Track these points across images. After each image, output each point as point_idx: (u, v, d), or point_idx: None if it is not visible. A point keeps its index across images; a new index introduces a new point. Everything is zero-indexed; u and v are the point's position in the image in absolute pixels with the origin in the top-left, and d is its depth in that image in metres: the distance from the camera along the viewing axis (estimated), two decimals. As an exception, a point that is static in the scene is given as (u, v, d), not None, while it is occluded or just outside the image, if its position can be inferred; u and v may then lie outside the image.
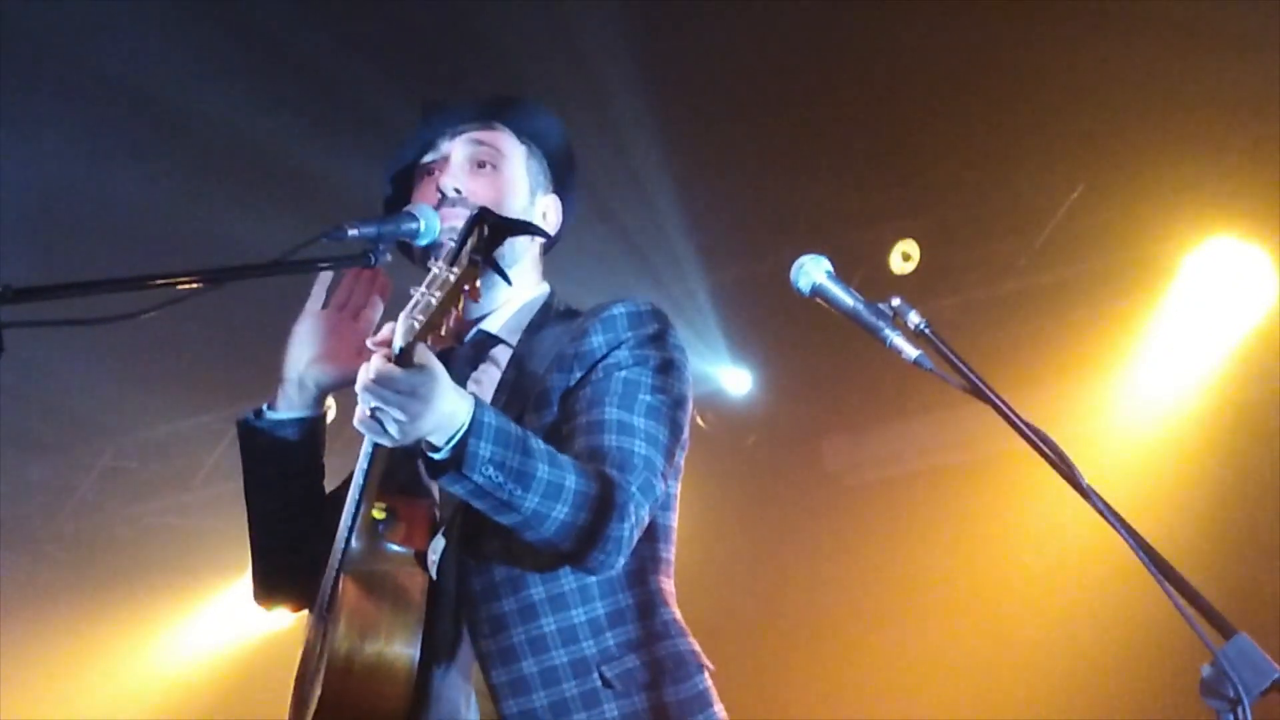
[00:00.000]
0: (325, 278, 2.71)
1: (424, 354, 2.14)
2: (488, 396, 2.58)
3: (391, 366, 2.13)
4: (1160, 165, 6.02)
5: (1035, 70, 5.67)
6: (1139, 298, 6.46)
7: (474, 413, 2.22)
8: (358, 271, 2.70)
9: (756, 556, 7.69)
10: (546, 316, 2.70)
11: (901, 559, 7.22)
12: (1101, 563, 5.57)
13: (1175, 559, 1.98)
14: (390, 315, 2.19)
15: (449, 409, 2.18)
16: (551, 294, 2.77)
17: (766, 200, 6.45)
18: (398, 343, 2.12)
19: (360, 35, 5.70)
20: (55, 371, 6.70)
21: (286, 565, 2.73)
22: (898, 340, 2.18)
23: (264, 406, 2.72)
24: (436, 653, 2.46)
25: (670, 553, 2.62)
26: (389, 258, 2.49)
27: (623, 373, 2.51)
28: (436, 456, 2.23)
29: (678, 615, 2.56)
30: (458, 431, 2.20)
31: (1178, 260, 6.30)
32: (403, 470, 2.52)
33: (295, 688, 2.61)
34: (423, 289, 2.13)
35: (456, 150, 2.73)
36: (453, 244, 2.16)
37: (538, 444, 2.30)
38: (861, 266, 6.43)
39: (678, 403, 2.56)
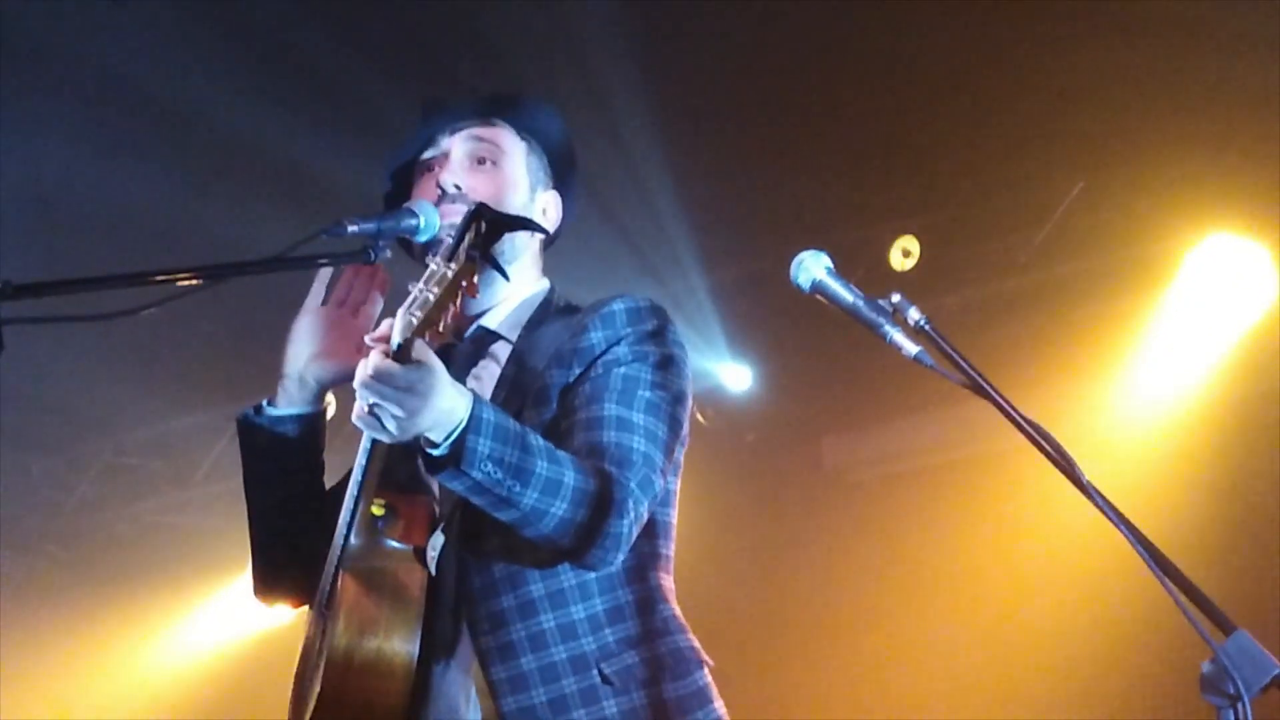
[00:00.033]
0: (325, 274, 2.71)
1: (422, 350, 2.14)
2: (487, 392, 2.58)
3: (389, 362, 2.13)
4: (1161, 162, 6.02)
5: (1035, 67, 5.66)
6: (1139, 295, 6.46)
7: (472, 409, 2.22)
8: (357, 267, 2.70)
9: (756, 553, 7.69)
10: (546, 312, 2.70)
11: (901, 556, 7.22)
12: (1102, 559, 5.57)
13: (1175, 555, 1.98)
14: (389, 311, 2.19)
15: (447, 405, 2.18)
16: (551, 290, 2.78)
17: (766, 196, 6.44)
18: (396, 339, 2.12)
19: (360, 34, 5.69)
20: (55, 369, 6.70)
21: (286, 561, 2.73)
22: (898, 337, 2.18)
23: (264, 403, 2.72)
24: (436, 649, 2.46)
25: (670, 549, 2.62)
26: (389, 254, 2.49)
27: (622, 369, 2.51)
28: (435, 453, 2.23)
29: (677, 612, 2.55)
30: (456, 428, 2.20)
31: (1178, 257, 6.30)
32: (402, 467, 2.52)
33: (295, 684, 2.61)
34: (420, 285, 2.13)
35: (456, 147, 2.73)
36: (450, 240, 2.16)
37: (536, 440, 2.30)
38: (861, 263, 6.43)
39: (677, 399, 2.55)
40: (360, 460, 2.43)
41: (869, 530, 7.38)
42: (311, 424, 2.71)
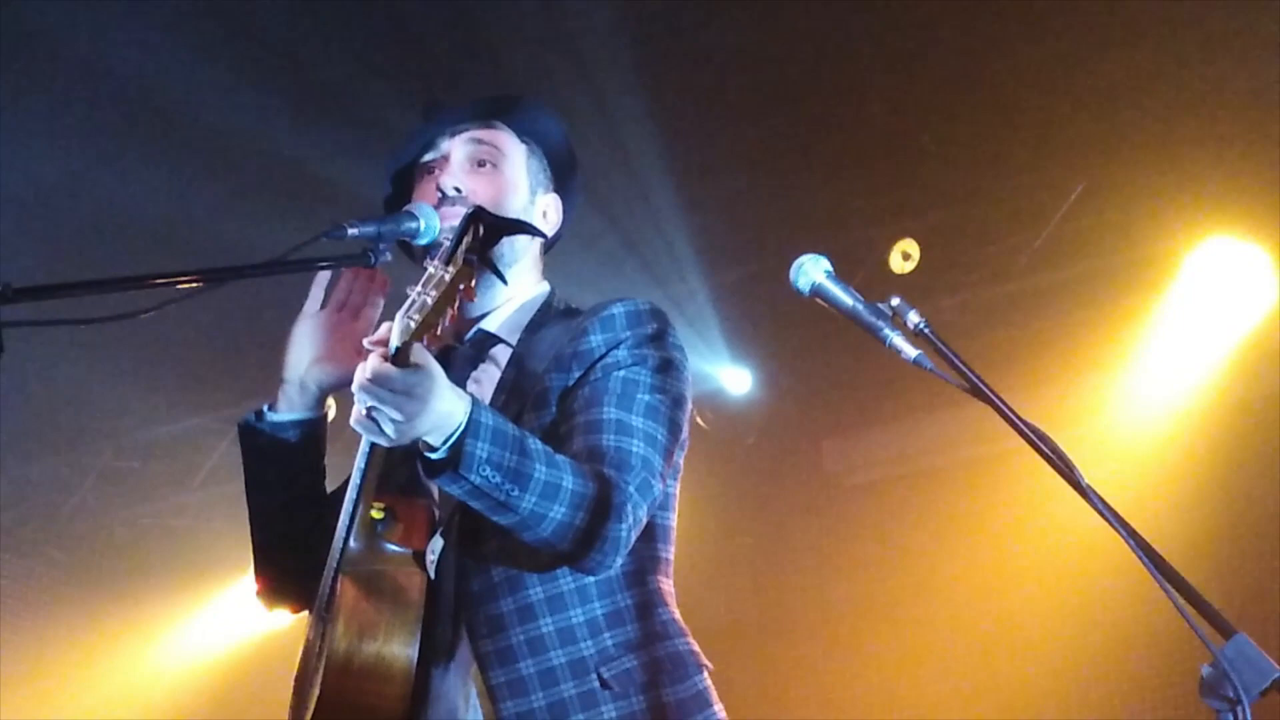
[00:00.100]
0: (323, 278, 2.70)
1: (420, 353, 2.14)
2: (487, 396, 2.58)
3: (388, 366, 2.13)
4: (1160, 165, 6.02)
5: (1035, 70, 5.67)
6: (1139, 297, 6.46)
7: (471, 413, 2.21)
8: (356, 271, 2.70)
9: (755, 555, 7.69)
10: (546, 316, 2.70)
11: (900, 559, 7.22)
12: (1101, 562, 5.58)
13: (1174, 559, 1.98)
14: (388, 314, 2.19)
15: (446, 409, 2.18)
16: (551, 293, 2.77)
17: (766, 200, 6.44)
18: (394, 342, 2.12)
19: (361, 35, 5.69)
20: (55, 372, 6.70)
21: (289, 566, 2.72)
22: (897, 340, 2.18)
23: (264, 408, 2.72)
24: (436, 653, 2.46)
25: (669, 553, 2.62)
26: (389, 257, 2.49)
27: (621, 372, 2.51)
28: (433, 457, 2.23)
29: (677, 615, 2.55)
30: (455, 432, 2.20)
31: (1178, 260, 6.30)
32: (401, 470, 2.52)
33: (295, 688, 2.61)
34: (418, 289, 2.14)
35: (456, 149, 2.73)
36: (448, 244, 2.16)
37: (535, 444, 2.30)
38: (861, 266, 6.43)
39: (676, 402, 2.55)
40: (359, 463, 2.43)
41: (869, 533, 7.38)
42: (313, 429, 2.71)
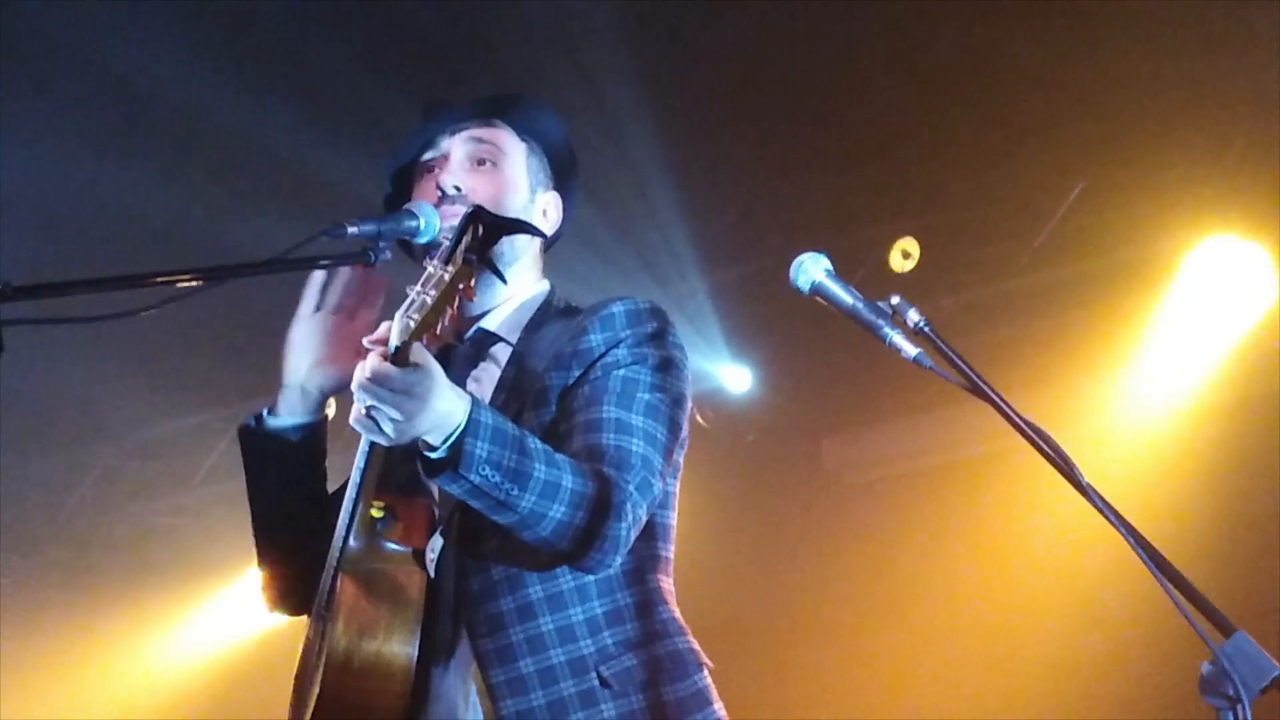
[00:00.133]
0: (317, 280, 2.69)
1: (420, 353, 2.14)
2: (487, 394, 2.58)
3: (387, 365, 2.13)
4: (1160, 164, 6.02)
5: (1035, 69, 5.66)
6: (1138, 296, 6.46)
7: (470, 412, 2.21)
8: (352, 272, 2.69)
9: (755, 554, 7.69)
10: (546, 314, 2.70)
11: (900, 557, 7.22)
12: (1101, 561, 5.57)
13: (1174, 557, 1.98)
14: (388, 314, 2.19)
15: (445, 408, 2.18)
16: (551, 291, 2.77)
17: (766, 198, 6.45)
18: (393, 341, 2.12)
19: (361, 34, 5.70)
20: (55, 371, 6.70)
21: (292, 569, 2.71)
22: (897, 338, 2.18)
23: (264, 412, 2.71)
24: (435, 652, 2.46)
25: (669, 551, 2.61)
26: (389, 256, 2.48)
27: (621, 371, 2.51)
28: (433, 456, 2.23)
29: (676, 614, 2.55)
30: (454, 431, 2.20)
31: (1177, 259, 6.30)
32: (402, 469, 2.52)
33: (294, 686, 2.61)
34: (418, 288, 2.14)
35: (456, 148, 2.73)
36: (448, 243, 2.16)
37: (535, 443, 2.30)
38: (861, 265, 6.43)
39: (676, 401, 2.55)
40: (359, 462, 2.43)
41: (868, 531, 7.38)
42: (313, 432, 2.70)
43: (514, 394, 2.55)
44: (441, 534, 2.49)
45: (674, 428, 2.53)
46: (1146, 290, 6.44)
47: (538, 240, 2.78)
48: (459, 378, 2.59)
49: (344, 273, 2.69)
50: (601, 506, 2.33)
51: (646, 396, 2.49)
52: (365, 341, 2.20)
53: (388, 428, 2.17)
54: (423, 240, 2.55)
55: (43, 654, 8.35)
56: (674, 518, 2.63)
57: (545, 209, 2.81)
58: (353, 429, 2.24)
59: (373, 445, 2.38)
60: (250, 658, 8.21)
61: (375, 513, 2.45)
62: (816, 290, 2.27)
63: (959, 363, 2.13)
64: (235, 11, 5.63)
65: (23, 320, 2.07)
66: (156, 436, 8.08)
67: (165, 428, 8.00)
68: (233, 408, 7.81)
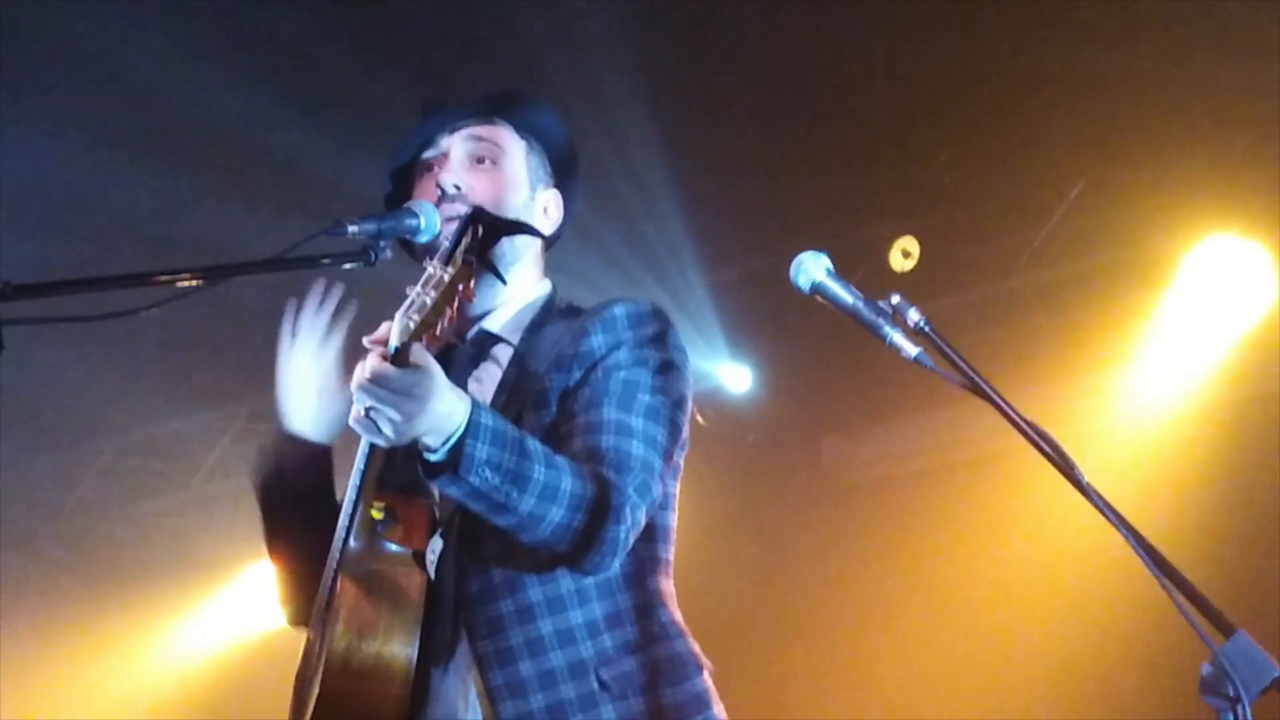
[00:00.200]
0: (290, 315, 2.67)
1: (420, 354, 2.14)
2: (488, 395, 2.58)
3: (387, 366, 2.12)
4: (1160, 162, 6.02)
5: (1035, 67, 5.67)
6: (1139, 295, 6.46)
7: (471, 414, 2.21)
8: (320, 293, 2.67)
9: (755, 554, 7.69)
10: (548, 315, 2.69)
11: (901, 557, 7.22)
12: (1101, 561, 5.57)
13: (1175, 557, 1.98)
14: (388, 314, 2.19)
15: (445, 409, 2.18)
16: (553, 292, 2.77)
17: (766, 197, 6.44)
18: (393, 342, 2.12)
19: (361, 34, 5.69)
20: (55, 369, 6.70)
21: (308, 585, 2.68)
22: (897, 338, 2.18)
23: (286, 434, 2.67)
24: (435, 653, 2.45)
25: (669, 553, 2.61)
26: (389, 255, 2.48)
27: (622, 373, 2.50)
28: (433, 458, 2.22)
29: (677, 616, 2.55)
30: (454, 433, 2.20)
31: (1178, 257, 6.30)
32: (402, 470, 2.51)
33: (295, 687, 2.61)
34: (418, 288, 2.13)
35: (456, 146, 2.72)
36: (448, 244, 2.16)
37: (535, 445, 2.30)
38: (861, 264, 6.43)
39: (677, 404, 2.55)
40: (359, 463, 2.43)
41: (869, 531, 7.38)
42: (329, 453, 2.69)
43: (515, 395, 2.55)
44: (441, 536, 2.49)
45: (674, 430, 2.53)
46: (1146, 289, 6.43)
47: (539, 240, 2.77)
48: (460, 378, 2.59)
49: (313, 299, 2.67)
50: (600, 509, 2.32)
51: (647, 399, 2.49)
52: (365, 341, 2.19)
53: (387, 429, 2.16)
54: (423, 239, 2.54)
55: (43, 653, 8.35)
56: (674, 519, 2.63)
57: (546, 207, 2.80)
58: (352, 429, 2.23)
59: (372, 446, 2.38)
60: (251, 657, 8.21)
61: (375, 514, 2.45)
62: (817, 289, 2.27)
63: (959, 362, 2.13)
64: (235, 11, 5.63)
65: (23, 319, 2.07)
66: (157, 436, 8.09)
67: (165, 427, 8.00)
68: (232, 407, 7.82)
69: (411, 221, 2.52)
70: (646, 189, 6.12)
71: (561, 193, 2.84)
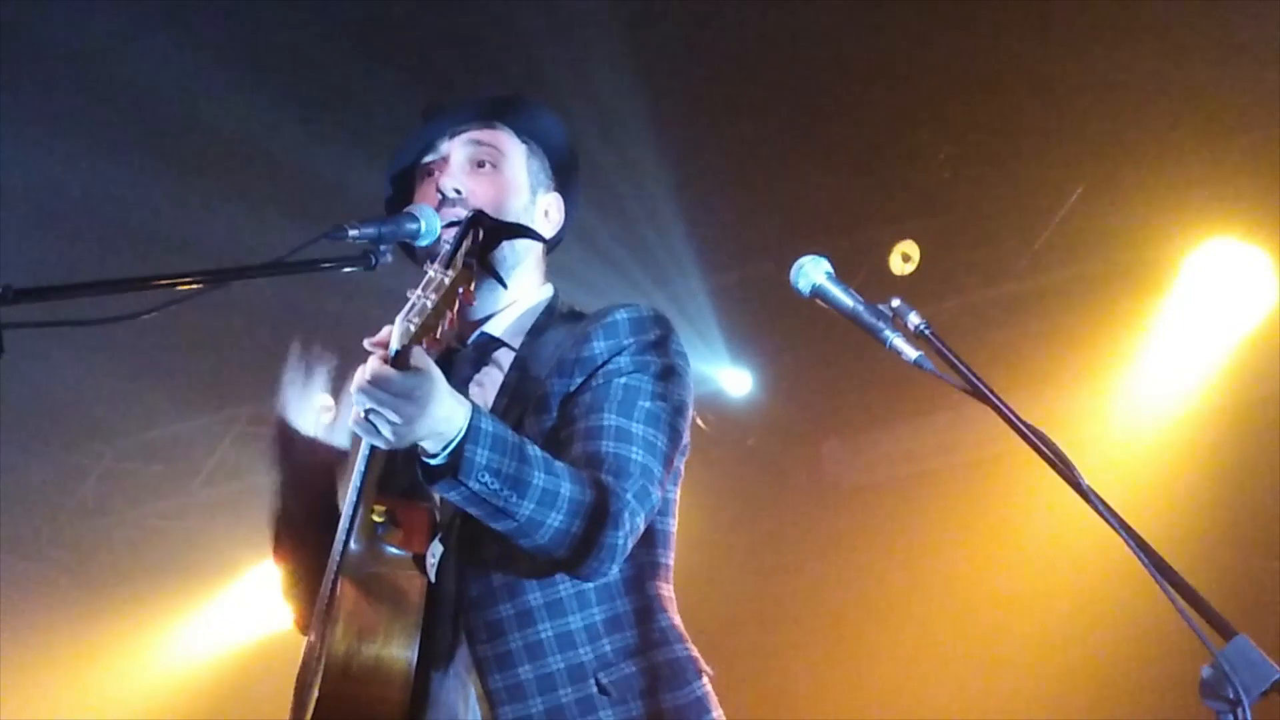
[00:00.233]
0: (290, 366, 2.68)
1: (421, 357, 2.14)
2: (490, 399, 2.58)
3: (387, 368, 2.12)
4: (1160, 167, 6.02)
5: (1035, 73, 5.67)
6: (1139, 299, 6.46)
7: (471, 419, 2.21)
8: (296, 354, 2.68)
9: (755, 557, 7.69)
10: (550, 319, 2.69)
11: (900, 560, 7.22)
12: (1102, 564, 5.57)
13: (1175, 560, 1.98)
14: (388, 318, 2.19)
15: (445, 414, 2.18)
16: (555, 296, 2.76)
17: (767, 201, 6.45)
18: (394, 345, 2.12)
19: (362, 36, 5.70)
20: (56, 373, 6.70)
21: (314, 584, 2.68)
22: (898, 341, 2.18)
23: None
24: (435, 656, 2.45)
25: (669, 558, 2.61)
26: (390, 258, 2.48)
27: (623, 379, 2.50)
28: (433, 462, 2.22)
29: (676, 621, 2.55)
30: (455, 438, 2.20)
31: (1178, 261, 6.30)
32: (404, 474, 2.51)
33: (295, 690, 2.60)
34: (418, 292, 2.13)
35: (456, 150, 2.72)
36: (448, 247, 2.16)
37: (534, 451, 2.30)
38: (861, 268, 6.43)
39: (678, 409, 2.55)
40: (359, 466, 2.43)
41: (869, 533, 7.38)
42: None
43: (516, 399, 2.55)
44: (441, 540, 2.49)
45: (675, 435, 2.53)
46: (1147, 293, 6.44)
47: (540, 243, 2.77)
48: (462, 382, 2.60)
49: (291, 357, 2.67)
50: (599, 515, 2.32)
51: (648, 404, 2.49)
52: (366, 344, 2.19)
53: (386, 431, 2.16)
54: (423, 243, 2.54)
55: (43, 655, 8.35)
56: (674, 525, 2.62)
57: (547, 210, 2.80)
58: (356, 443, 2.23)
59: (373, 449, 2.38)
60: (250, 660, 8.21)
61: (376, 517, 2.44)
62: (817, 293, 2.27)
63: (959, 365, 2.13)
64: (236, 14, 5.64)
65: (24, 323, 2.07)
66: (157, 439, 8.08)
67: (166, 430, 8.00)
68: (232, 411, 7.82)
69: (412, 226, 2.52)
70: (647, 192, 6.12)
71: (563, 196, 2.84)
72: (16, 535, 8.18)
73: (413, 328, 2.11)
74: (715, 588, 6.61)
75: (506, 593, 2.44)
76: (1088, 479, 2.01)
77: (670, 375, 2.54)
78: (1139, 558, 1.96)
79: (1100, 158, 6.12)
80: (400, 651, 2.38)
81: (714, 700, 2.52)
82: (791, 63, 5.80)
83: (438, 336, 2.13)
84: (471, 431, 2.20)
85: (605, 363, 2.51)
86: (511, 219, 2.61)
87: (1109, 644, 6.39)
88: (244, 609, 8.25)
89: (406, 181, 2.79)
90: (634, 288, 6.34)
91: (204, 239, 5.88)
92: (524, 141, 2.80)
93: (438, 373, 2.17)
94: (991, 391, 2.10)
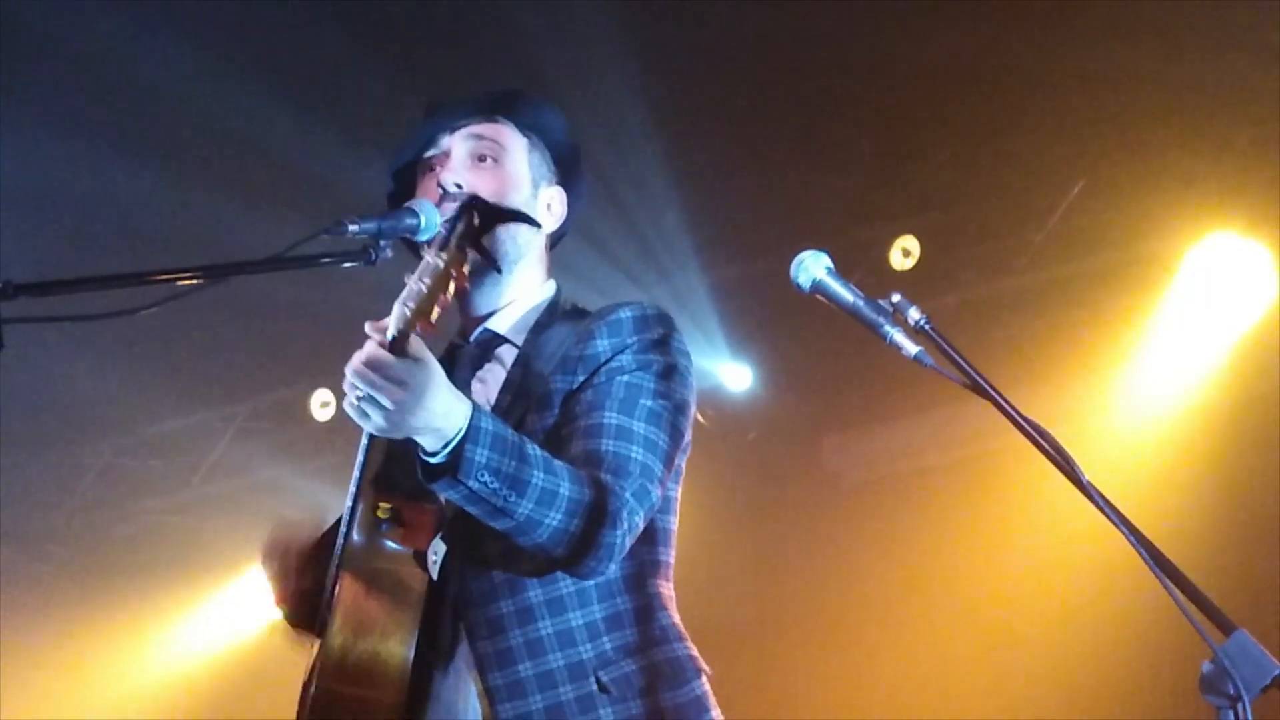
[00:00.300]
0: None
1: (420, 348, 2.13)
2: (493, 396, 2.58)
3: (382, 352, 2.11)
4: (1160, 161, 6.02)
5: (1035, 66, 5.67)
6: (1139, 294, 6.46)
7: (471, 418, 2.21)
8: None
9: (755, 553, 7.68)
10: (553, 316, 2.68)
11: (901, 556, 7.22)
12: (1102, 559, 5.57)
13: (1175, 555, 1.98)
14: (385, 309, 2.18)
15: (443, 409, 2.17)
16: (558, 293, 2.76)
17: (767, 196, 6.45)
18: (391, 330, 2.11)
19: (361, 33, 5.70)
20: (55, 368, 6.70)
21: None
22: (898, 336, 2.18)
23: None
24: (436, 653, 2.45)
25: (670, 556, 2.61)
26: (390, 254, 2.48)
27: (625, 377, 2.50)
28: (433, 461, 2.22)
29: (676, 620, 2.55)
30: (455, 436, 2.19)
31: (1178, 256, 6.30)
32: (411, 472, 2.50)
33: (303, 684, 2.60)
34: (415, 277, 2.13)
35: (457, 145, 2.71)
36: (443, 231, 2.17)
37: (534, 450, 2.30)
38: (862, 263, 6.43)
39: (679, 408, 2.54)
40: (359, 457, 2.43)
41: (869, 529, 7.37)
42: None
43: (519, 396, 2.55)
44: (443, 537, 2.48)
45: (676, 434, 2.53)
46: (1147, 288, 6.43)
47: (543, 237, 2.76)
48: (464, 378, 2.60)
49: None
50: (598, 514, 2.32)
51: (649, 403, 2.49)
52: (367, 327, 2.18)
53: (377, 416, 2.15)
54: (423, 238, 2.53)
55: (43, 653, 8.35)
56: (675, 523, 2.63)
57: (549, 203, 2.79)
58: (356, 434, 2.23)
59: (371, 441, 2.38)
60: (251, 657, 8.20)
61: (380, 514, 2.44)
62: (817, 288, 2.27)
63: (960, 361, 2.13)
64: (235, 12, 5.64)
65: (24, 318, 2.07)
66: (157, 435, 8.08)
67: (165, 426, 8.00)
68: (232, 407, 7.82)
69: (412, 221, 2.51)
70: (647, 187, 6.12)
71: (566, 190, 2.83)
72: (16, 531, 8.18)
73: (408, 312, 2.10)
74: (714, 582, 6.61)
75: (507, 589, 2.44)
76: (1088, 474, 2.01)
77: (672, 374, 2.54)
78: (1139, 553, 1.96)
79: (1100, 153, 6.12)
80: (398, 646, 2.37)
81: (713, 700, 2.52)
82: (792, 58, 5.80)
83: (432, 320, 2.13)
84: (471, 430, 2.20)
85: (608, 360, 2.51)
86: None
87: (1109, 639, 6.38)
88: (243, 605, 8.24)
89: (408, 176, 2.79)
90: (634, 282, 6.34)
91: (204, 236, 5.87)
92: (525, 135, 2.79)
93: (436, 366, 2.17)
94: (992, 387, 2.10)
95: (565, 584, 2.45)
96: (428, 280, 2.11)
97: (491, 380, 2.62)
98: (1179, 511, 5.86)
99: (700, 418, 7.09)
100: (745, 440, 7.60)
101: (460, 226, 2.16)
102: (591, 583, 2.45)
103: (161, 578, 8.44)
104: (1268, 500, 6.16)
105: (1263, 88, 5.62)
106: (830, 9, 5.57)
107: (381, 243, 2.44)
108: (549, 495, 2.28)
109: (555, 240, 2.84)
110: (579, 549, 2.33)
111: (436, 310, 2.12)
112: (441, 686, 2.46)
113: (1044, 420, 2.06)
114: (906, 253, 6.47)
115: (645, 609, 2.50)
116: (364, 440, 2.40)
